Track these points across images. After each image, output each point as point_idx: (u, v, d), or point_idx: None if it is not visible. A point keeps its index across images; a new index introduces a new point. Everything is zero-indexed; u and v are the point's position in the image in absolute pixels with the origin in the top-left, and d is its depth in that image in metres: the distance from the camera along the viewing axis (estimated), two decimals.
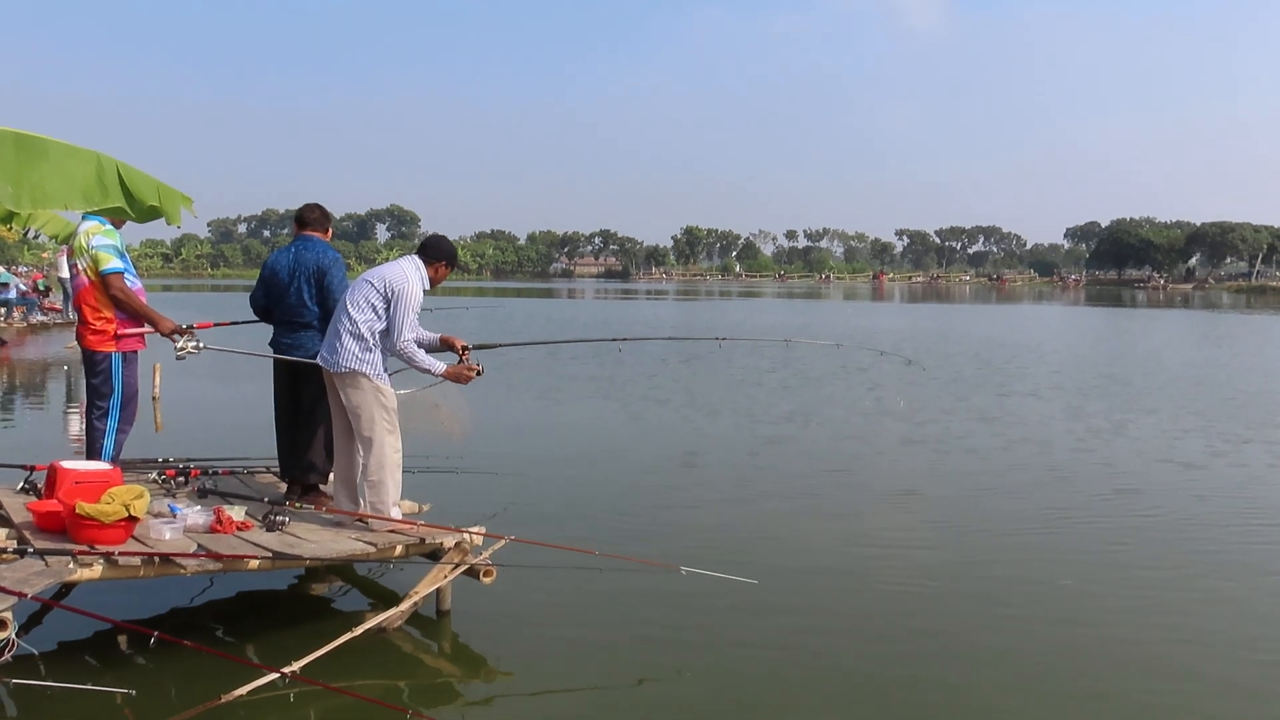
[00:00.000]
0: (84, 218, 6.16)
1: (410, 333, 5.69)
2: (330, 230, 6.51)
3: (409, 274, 5.74)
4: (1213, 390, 16.51)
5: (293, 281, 6.19)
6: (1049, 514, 8.20)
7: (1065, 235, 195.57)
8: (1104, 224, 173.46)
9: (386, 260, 6.11)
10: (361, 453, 5.72)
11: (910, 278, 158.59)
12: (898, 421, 12.78)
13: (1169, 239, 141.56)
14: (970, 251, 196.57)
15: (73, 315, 22.07)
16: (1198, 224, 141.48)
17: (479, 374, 5.86)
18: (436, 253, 5.93)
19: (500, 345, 7.33)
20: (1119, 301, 70.28)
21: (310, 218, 6.36)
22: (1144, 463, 10.41)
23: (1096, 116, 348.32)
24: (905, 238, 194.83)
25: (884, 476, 9.83)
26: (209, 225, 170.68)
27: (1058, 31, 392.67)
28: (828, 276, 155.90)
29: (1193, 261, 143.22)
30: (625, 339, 8.54)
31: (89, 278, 6.12)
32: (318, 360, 5.81)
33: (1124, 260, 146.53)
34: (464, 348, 5.98)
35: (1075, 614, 5.92)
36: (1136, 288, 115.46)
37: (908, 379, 17.41)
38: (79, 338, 6.33)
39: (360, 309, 5.64)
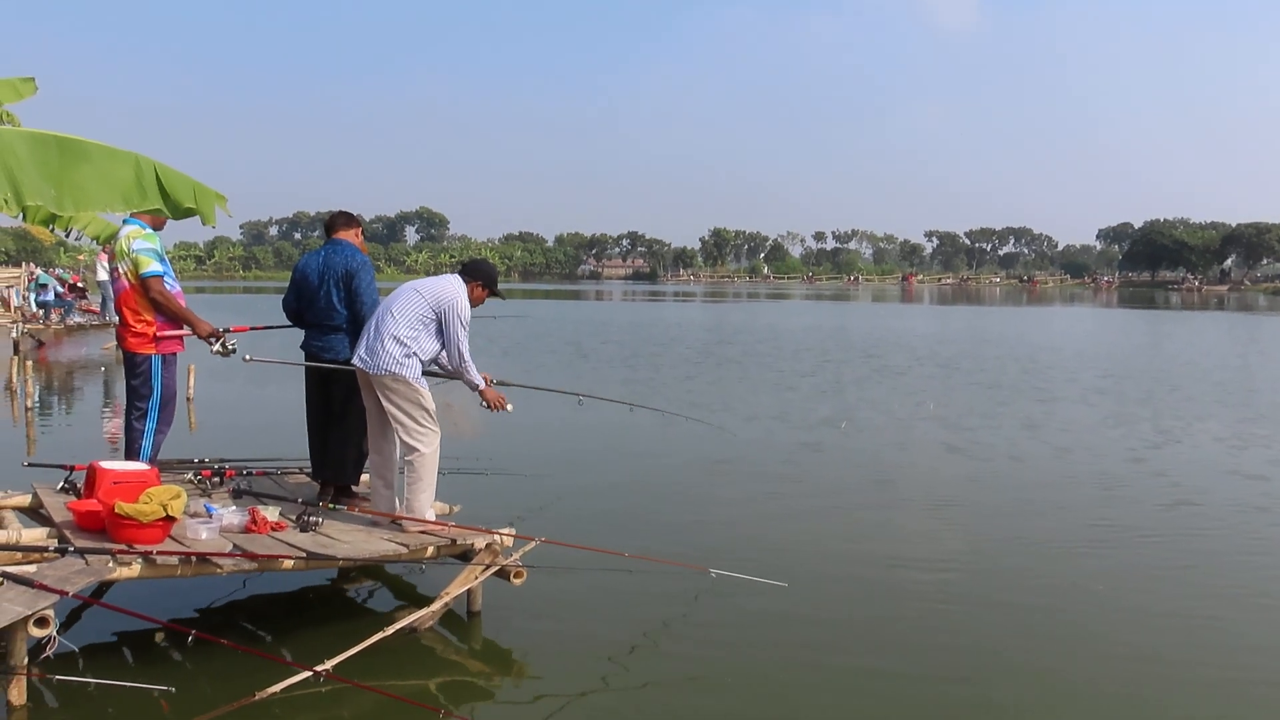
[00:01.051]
0: (125, 222, 6.27)
1: (466, 347, 5.87)
2: (360, 230, 6.59)
3: (458, 289, 5.90)
4: (1267, 397, 16.03)
5: (322, 285, 6.26)
6: (1097, 526, 7.88)
7: (1097, 236, 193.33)
8: (1137, 225, 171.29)
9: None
10: (400, 453, 5.80)
11: (940, 279, 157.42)
12: (938, 428, 12.54)
13: (1204, 240, 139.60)
14: (1001, 253, 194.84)
15: (110, 317, 22.41)
16: (1233, 225, 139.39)
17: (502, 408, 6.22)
18: (475, 273, 6.10)
19: (521, 386, 7.49)
20: (1152, 303, 69.33)
21: (338, 223, 6.46)
22: (1200, 473, 10.00)
23: (1129, 116, 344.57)
24: (935, 239, 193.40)
25: (923, 483, 9.62)
26: (241, 227, 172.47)
27: (1090, 29, 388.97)
28: (856, 278, 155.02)
29: (1228, 263, 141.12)
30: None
31: (130, 281, 6.23)
32: (354, 362, 5.89)
33: (1157, 262, 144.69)
34: (489, 382, 6.25)
35: (1121, 631, 5.69)
36: (1170, 289, 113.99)
37: (951, 384, 17.24)
38: (120, 340, 6.44)
39: (407, 315, 5.76)
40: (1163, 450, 11.14)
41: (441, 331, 5.84)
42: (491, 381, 6.29)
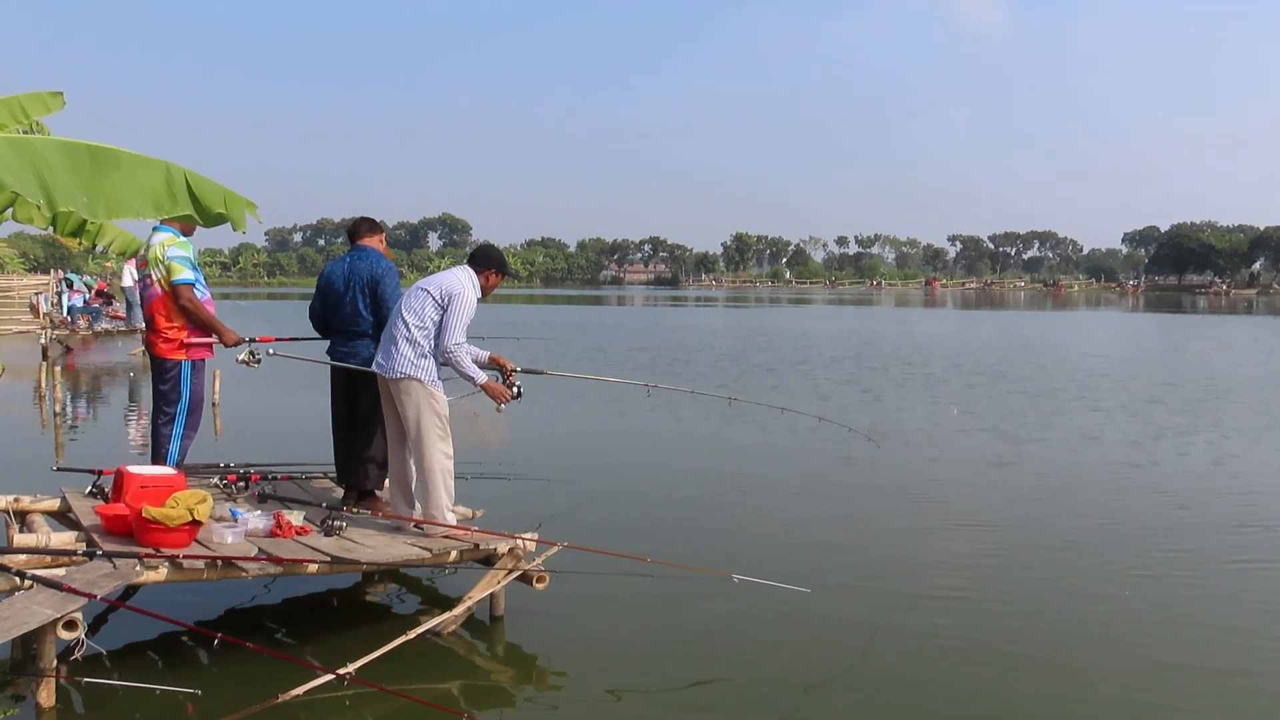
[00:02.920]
0: (156, 229, 6.34)
1: (461, 336, 5.81)
2: (384, 236, 6.64)
3: (464, 282, 5.89)
4: None
5: (348, 291, 6.31)
6: (1143, 541, 7.59)
7: (1123, 240, 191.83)
8: (1163, 228, 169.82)
9: (439, 268, 6.30)
10: (414, 458, 5.81)
11: (963, 284, 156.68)
12: (973, 437, 12.12)
13: (1231, 243, 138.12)
14: (1025, 257, 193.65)
15: (135, 323, 22.60)
16: (1261, 227, 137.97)
17: (518, 397, 6.09)
18: (486, 261, 6.09)
19: (547, 373, 7.49)
20: (1179, 307, 68.46)
21: (362, 229, 6.51)
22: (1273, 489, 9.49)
23: (1156, 118, 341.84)
24: (958, 243, 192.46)
25: (958, 495, 9.32)
26: (266, 234, 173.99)
27: (1116, 32, 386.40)
28: (879, 283, 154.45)
29: (1256, 266, 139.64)
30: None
31: (163, 288, 6.30)
32: (373, 368, 5.93)
33: (1184, 265, 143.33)
34: (511, 370, 6.21)
35: (1154, 647, 5.54)
36: (1198, 293, 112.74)
37: (994, 392, 16.85)
38: (150, 345, 6.51)
39: (416, 316, 5.75)
40: (1225, 466, 10.51)
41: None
42: (516, 369, 6.26)
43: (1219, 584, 6.66)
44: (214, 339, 6.46)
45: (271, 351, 6.60)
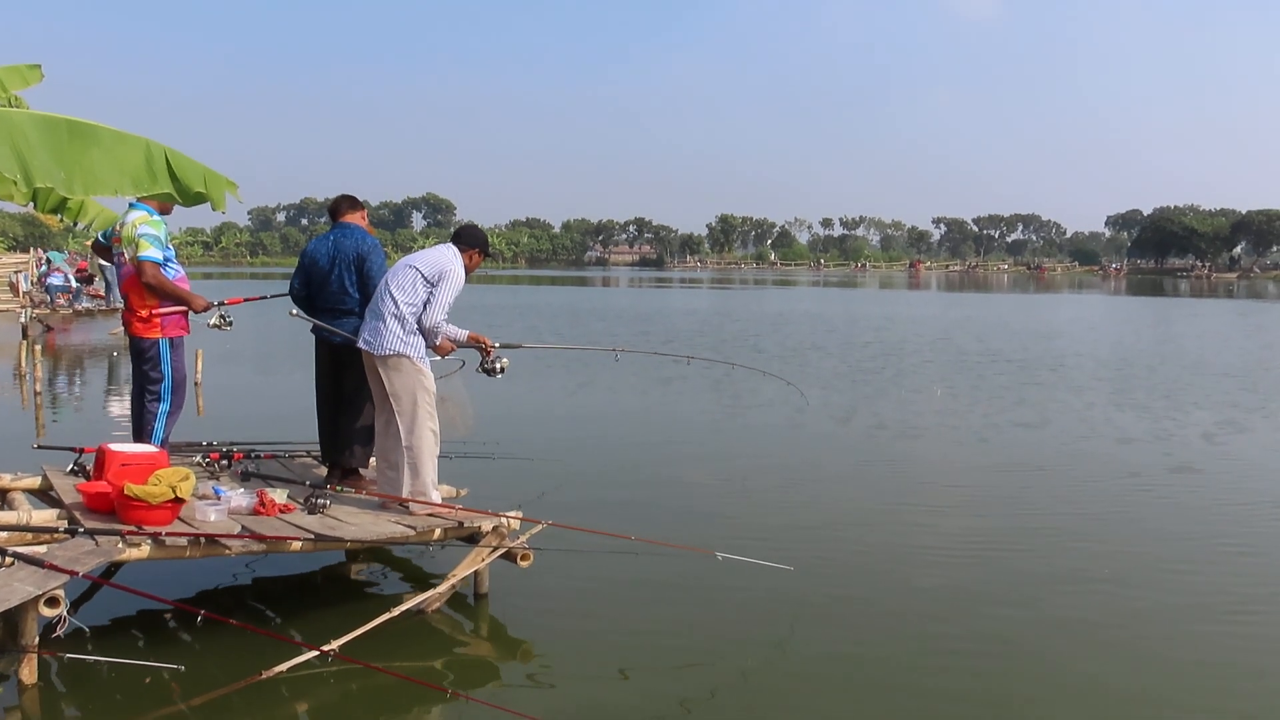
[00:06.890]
0: (131, 206, 6.27)
1: (445, 314, 5.84)
2: (365, 214, 6.56)
3: (454, 259, 5.91)
4: None
5: (333, 269, 6.26)
6: (1128, 522, 7.56)
7: (1106, 223, 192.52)
8: (1146, 212, 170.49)
9: (423, 248, 6.24)
10: (402, 435, 5.80)
11: (947, 266, 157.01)
12: (984, 428, 11.75)
13: (1213, 227, 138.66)
14: (1009, 240, 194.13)
15: (114, 302, 22.42)
16: (1242, 211, 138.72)
17: (502, 371, 6.21)
18: (470, 240, 6.10)
19: (525, 346, 7.45)
20: (1161, 290, 68.67)
21: (343, 207, 6.45)
22: None
23: (1140, 103, 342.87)
24: (943, 226, 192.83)
25: (955, 482, 9.15)
26: (249, 214, 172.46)
27: (1102, 16, 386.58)
28: (864, 265, 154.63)
29: (1237, 250, 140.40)
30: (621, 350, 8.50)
31: (135, 266, 6.24)
32: (359, 344, 5.90)
33: (1166, 249, 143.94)
34: (491, 346, 6.26)
35: (1136, 634, 5.51)
36: (1179, 276, 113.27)
37: (1012, 382, 16.63)
38: (126, 325, 6.44)
39: (405, 293, 5.74)
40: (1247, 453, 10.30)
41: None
42: (496, 345, 6.27)
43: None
44: (184, 309, 6.40)
45: (294, 312, 6.44)
